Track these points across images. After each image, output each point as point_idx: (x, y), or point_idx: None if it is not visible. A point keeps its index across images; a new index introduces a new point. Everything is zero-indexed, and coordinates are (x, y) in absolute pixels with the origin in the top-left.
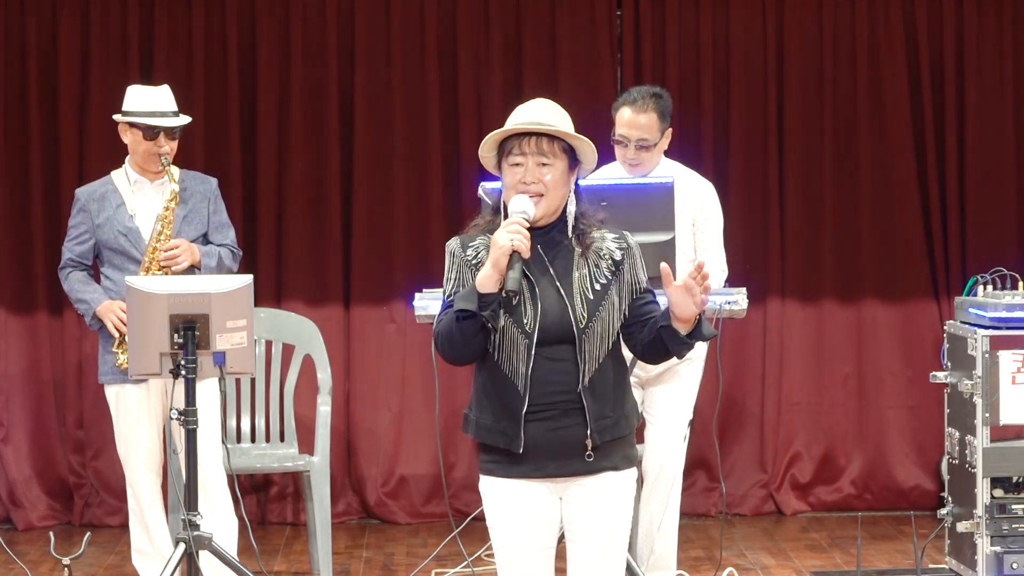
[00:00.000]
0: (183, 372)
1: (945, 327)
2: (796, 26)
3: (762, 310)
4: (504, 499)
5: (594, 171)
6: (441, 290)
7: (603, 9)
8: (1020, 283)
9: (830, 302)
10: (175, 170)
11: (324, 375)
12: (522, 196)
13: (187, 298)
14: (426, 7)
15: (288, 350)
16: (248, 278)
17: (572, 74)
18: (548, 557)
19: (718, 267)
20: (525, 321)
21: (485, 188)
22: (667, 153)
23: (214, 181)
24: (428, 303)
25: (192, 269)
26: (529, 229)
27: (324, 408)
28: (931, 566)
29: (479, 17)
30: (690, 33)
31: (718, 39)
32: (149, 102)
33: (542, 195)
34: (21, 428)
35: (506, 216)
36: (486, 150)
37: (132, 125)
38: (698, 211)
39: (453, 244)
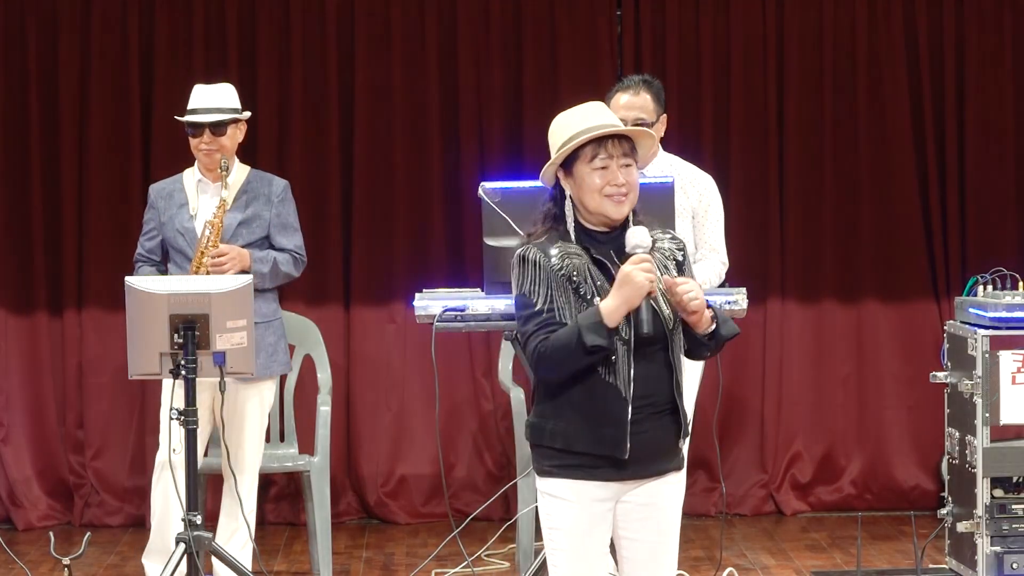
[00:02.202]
0: (183, 372)
1: (945, 327)
2: (796, 26)
3: (762, 310)
4: (578, 501)
5: None
6: (438, 290)
7: (603, 8)
8: (1020, 283)
9: (830, 302)
10: (243, 169)
11: (324, 375)
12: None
13: (187, 298)
14: (426, 7)
15: (288, 350)
16: (248, 278)
17: (572, 74)
18: (606, 558)
19: (719, 259)
20: (622, 328)
21: (485, 188)
22: (666, 148)
23: (283, 184)
24: (428, 303)
25: (243, 274)
26: (596, 233)
27: (324, 408)
28: (931, 566)
29: (479, 17)
30: (690, 33)
31: (718, 39)
32: (199, 99)
33: (626, 195)
34: (21, 428)
35: (577, 221)
36: (559, 156)
37: (182, 124)
38: (697, 203)
39: (534, 253)
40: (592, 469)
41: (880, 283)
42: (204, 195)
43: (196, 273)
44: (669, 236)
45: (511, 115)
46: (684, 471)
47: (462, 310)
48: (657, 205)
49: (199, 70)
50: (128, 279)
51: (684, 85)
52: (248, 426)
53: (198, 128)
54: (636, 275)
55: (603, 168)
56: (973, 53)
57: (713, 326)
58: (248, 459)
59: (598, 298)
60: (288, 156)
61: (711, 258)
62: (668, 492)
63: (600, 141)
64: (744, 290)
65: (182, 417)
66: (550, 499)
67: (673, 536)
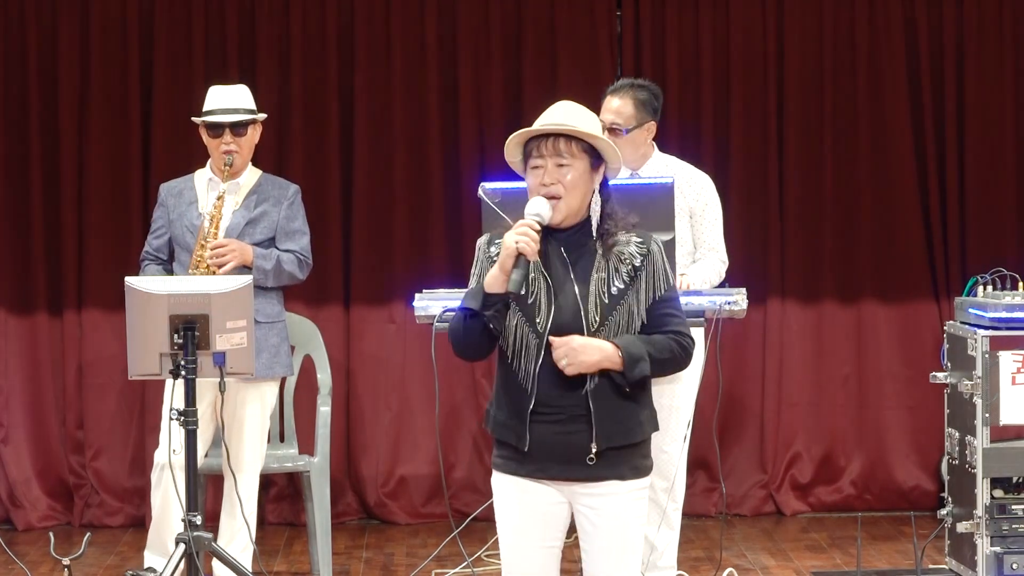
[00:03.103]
0: (183, 372)
1: (945, 327)
2: (796, 26)
3: (762, 310)
4: (510, 495)
5: None
6: (438, 290)
7: (603, 8)
8: (1020, 283)
9: (830, 302)
10: (255, 172)
11: (324, 375)
12: (539, 199)
13: (187, 298)
14: (426, 7)
15: (290, 352)
16: (248, 278)
17: (572, 73)
18: (552, 556)
19: (718, 258)
20: (538, 320)
21: (485, 188)
22: (665, 148)
23: (294, 188)
24: (428, 303)
25: (244, 271)
26: (552, 230)
27: (324, 408)
28: (931, 566)
29: (479, 16)
30: (690, 33)
31: (718, 39)
32: (214, 100)
33: (560, 197)
34: (21, 428)
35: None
36: (510, 155)
37: (200, 124)
38: (695, 203)
39: (482, 240)
40: (511, 462)
41: (880, 283)
42: (213, 194)
43: (197, 266)
44: (638, 240)
45: (511, 115)
46: (637, 482)
47: None
48: (657, 205)
49: (199, 71)
50: (128, 279)
51: (684, 85)
52: (248, 427)
53: (218, 128)
54: (507, 237)
55: (537, 167)
56: (973, 53)
57: (622, 367)
58: (248, 460)
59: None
60: (288, 156)
61: (710, 257)
62: (617, 503)
63: (538, 140)
64: (744, 290)
65: (182, 417)
66: (494, 492)
67: (629, 549)
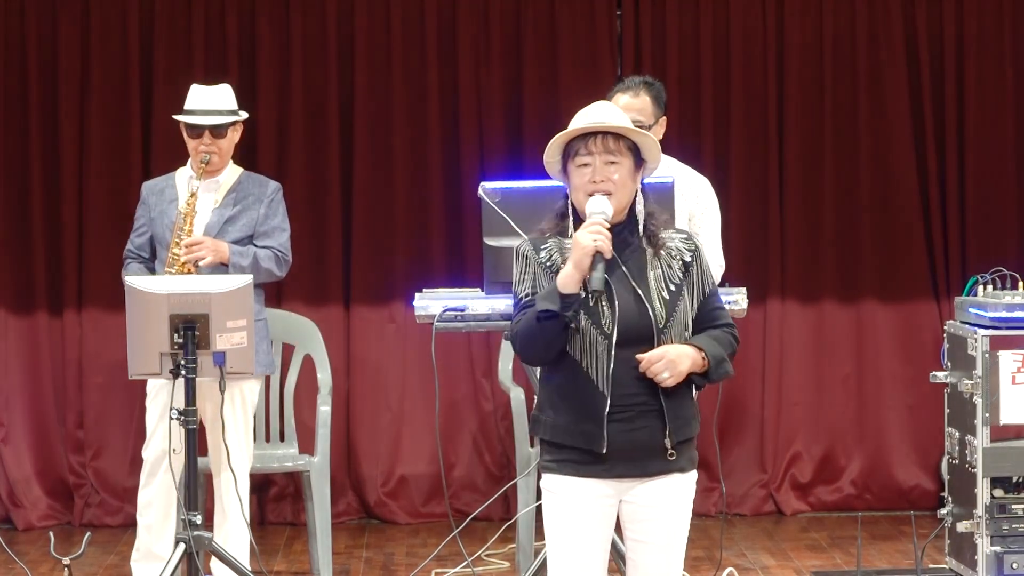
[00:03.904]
0: (183, 372)
1: (945, 327)
2: (796, 26)
3: (762, 310)
4: (572, 498)
5: None
6: (438, 290)
7: (603, 8)
8: (1020, 283)
9: (830, 302)
10: (235, 170)
11: (324, 375)
12: (600, 197)
13: (187, 298)
14: (426, 7)
15: (288, 350)
16: (248, 278)
17: (572, 74)
18: (605, 556)
19: (715, 262)
20: (603, 322)
21: (485, 188)
22: (665, 149)
23: (274, 185)
24: (428, 303)
25: (222, 268)
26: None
27: (324, 408)
28: (931, 566)
29: (479, 17)
30: (690, 33)
31: (718, 38)
32: (196, 100)
33: (611, 194)
34: (21, 428)
35: (576, 218)
36: (551, 155)
37: (181, 123)
38: (695, 206)
39: (525, 247)
40: (578, 464)
41: (880, 283)
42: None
43: (172, 263)
44: (682, 236)
45: (511, 115)
46: (691, 474)
47: (462, 310)
48: (657, 205)
49: (199, 70)
50: (128, 279)
51: (684, 85)
52: (231, 427)
53: (197, 129)
54: (581, 237)
55: (585, 166)
56: (973, 52)
57: (706, 369)
58: (235, 460)
59: (582, 292)
60: (288, 156)
61: (710, 262)
62: (672, 495)
63: (584, 139)
64: (744, 290)
65: (182, 417)
66: (548, 494)
67: (678, 540)
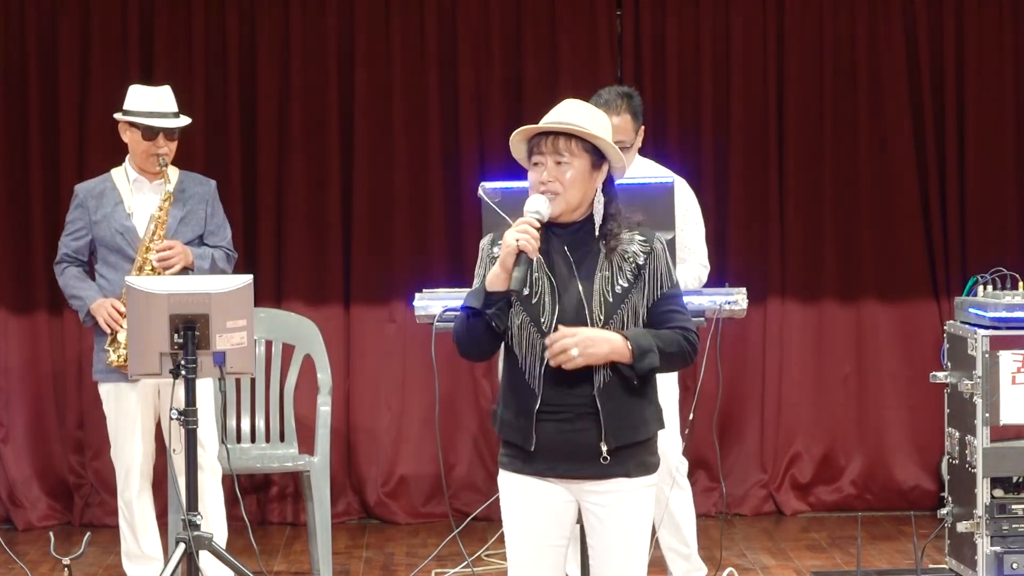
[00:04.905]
0: (183, 372)
1: (945, 327)
2: (796, 26)
3: (762, 310)
4: (516, 494)
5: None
6: (438, 290)
7: (603, 9)
8: (1020, 283)
9: (830, 302)
10: (174, 171)
11: (324, 375)
12: (538, 196)
13: (187, 298)
14: (426, 7)
15: (288, 350)
16: (248, 278)
17: (572, 74)
18: (557, 555)
19: (698, 262)
20: (542, 320)
21: (485, 188)
22: (663, 150)
23: (213, 183)
24: (428, 303)
25: (185, 271)
26: (555, 229)
27: (324, 408)
28: (931, 566)
29: (479, 17)
30: (690, 33)
31: (718, 39)
32: (150, 102)
33: (558, 193)
34: (21, 428)
35: (550, 221)
36: (516, 151)
37: (132, 125)
38: (675, 206)
39: (485, 240)
40: (518, 461)
41: (880, 283)
42: (139, 194)
43: (140, 268)
44: (641, 239)
45: (511, 115)
46: (643, 480)
47: None
48: (657, 205)
49: (199, 71)
50: (129, 279)
51: (684, 85)
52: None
53: (153, 131)
54: (508, 235)
55: (537, 165)
56: (973, 52)
57: (631, 359)
58: (206, 459)
59: (526, 289)
60: (288, 156)
61: (690, 261)
62: (624, 500)
63: (538, 138)
64: (744, 290)
65: (182, 417)
66: (500, 490)
67: (636, 546)
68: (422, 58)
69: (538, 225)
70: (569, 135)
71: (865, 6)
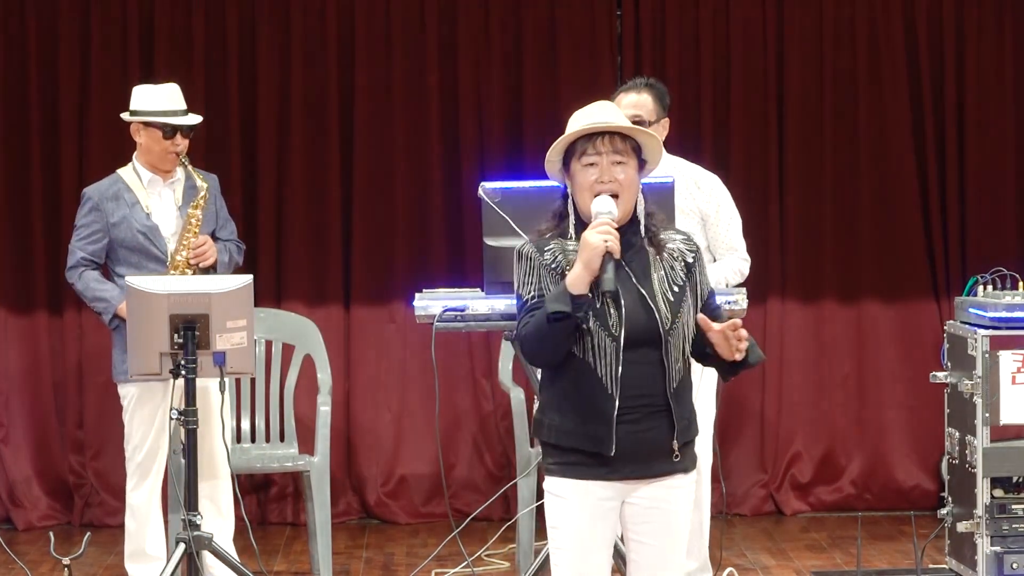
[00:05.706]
0: (183, 372)
1: (945, 327)
2: (796, 24)
3: (762, 310)
4: (578, 501)
5: None
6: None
7: (603, 8)
8: (1020, 283)
9: (830, 302)
10: (180, 169)
11: (324, 375)
12: (605, 197)
13: (187, 298)
14: (426, 8)
15: (288, 350)
16: (248, 278)
17: (572, 73)
18: (609, 558)
19: (739, 257)
20: (611, 323)
21: (485, 188)
22: (667, 149)
23: (215, 178)
24: (428, 303)
25: (212, 267)
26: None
27: (324, 408)
28: (931, 566)
29: (479, 17)
30: (690, 32)
31: (718, 37)
32: (161, 101)
33: (617, 195)
34: (21, 428)
35: (578, 219)
36: (555, 154)
37: (148, 125)
38: (706, 205)
39: (528, 249)
40: (584, 467)
41: (880, 283)
42: (154, 193)
43: (175, 267)
44: (682, 237)
45: (511, 115)
46: (693, 474)
47: (462, 310)
48: (657, 206)
49: (199, 71)
50: (129, 279)
51: (684, 85)
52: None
53: (173, 130)
54: (591, 237)
55: (591, 165)
56: (973, 52)
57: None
58: (217, 462)
59: (590, 294)
60: (288, 156)
61: (730, 256)
62: (675, 495)
63: (591, 138)
64: (744, 290)
65: (182, 417)
66: (552, 497)
67: (680, 540)
68: (422, 58)
69: (616, 225)
70: (623, 135)
71: (865, 5)
